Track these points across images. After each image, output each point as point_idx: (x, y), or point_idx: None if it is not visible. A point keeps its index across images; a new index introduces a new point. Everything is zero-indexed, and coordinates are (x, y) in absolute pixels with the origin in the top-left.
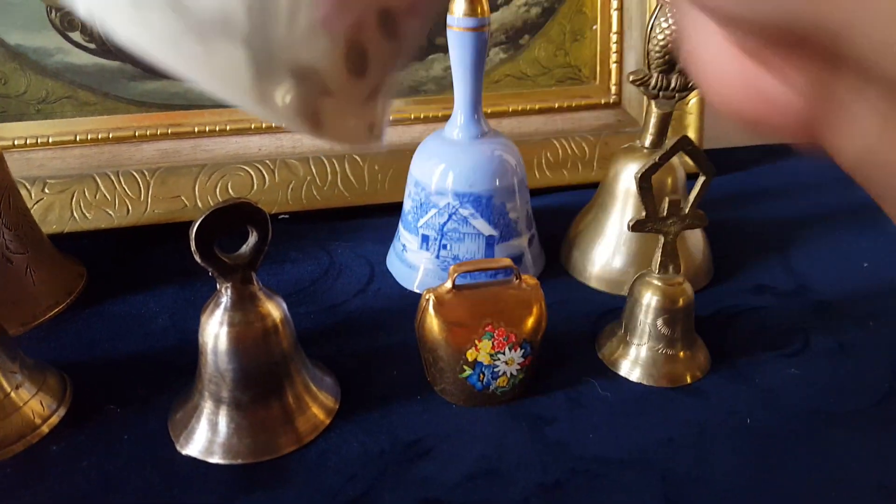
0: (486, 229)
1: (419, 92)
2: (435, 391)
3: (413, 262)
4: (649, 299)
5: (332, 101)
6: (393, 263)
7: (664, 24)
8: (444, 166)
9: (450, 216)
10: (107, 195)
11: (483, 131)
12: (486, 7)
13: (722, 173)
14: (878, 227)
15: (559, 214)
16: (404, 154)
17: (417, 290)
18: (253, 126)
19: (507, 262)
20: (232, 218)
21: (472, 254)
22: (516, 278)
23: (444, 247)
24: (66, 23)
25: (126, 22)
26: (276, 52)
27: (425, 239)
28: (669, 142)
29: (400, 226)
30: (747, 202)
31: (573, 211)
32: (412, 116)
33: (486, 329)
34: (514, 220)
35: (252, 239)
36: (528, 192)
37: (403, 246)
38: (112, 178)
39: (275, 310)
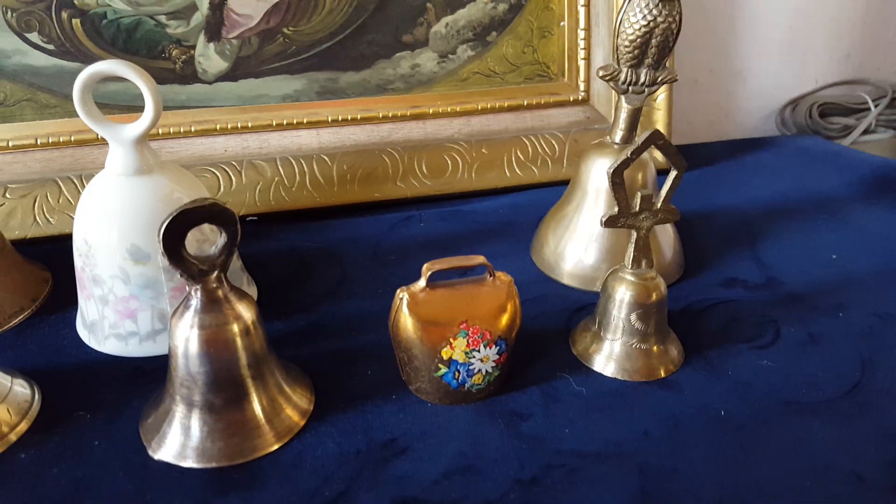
0: None
1: (386, 90)
2: (410, 390)
3: None
4: (622, 294)
5: None
6: None
7: (633, 19)
8: None
9: None
10: (70, 199)
11: None
12: None
13: (689, 168)
14: (844, 220)
15: (530, 211)
16: (373, 153)
17: None
18: (218, 127)
19: (481, 259)
20: (200, 218)
21: None
22: (490, 276)
23: None
24: (24, 23)
25: None
26: None
27: None
28: (640, 137)
29: None
30: (715, 196)
31: (544, 208)
32: (380, 115)
33: (461, 327)
34: None
35: (221, 240)
36: None
37: None
38: (75, 181)
39: (246, 311)
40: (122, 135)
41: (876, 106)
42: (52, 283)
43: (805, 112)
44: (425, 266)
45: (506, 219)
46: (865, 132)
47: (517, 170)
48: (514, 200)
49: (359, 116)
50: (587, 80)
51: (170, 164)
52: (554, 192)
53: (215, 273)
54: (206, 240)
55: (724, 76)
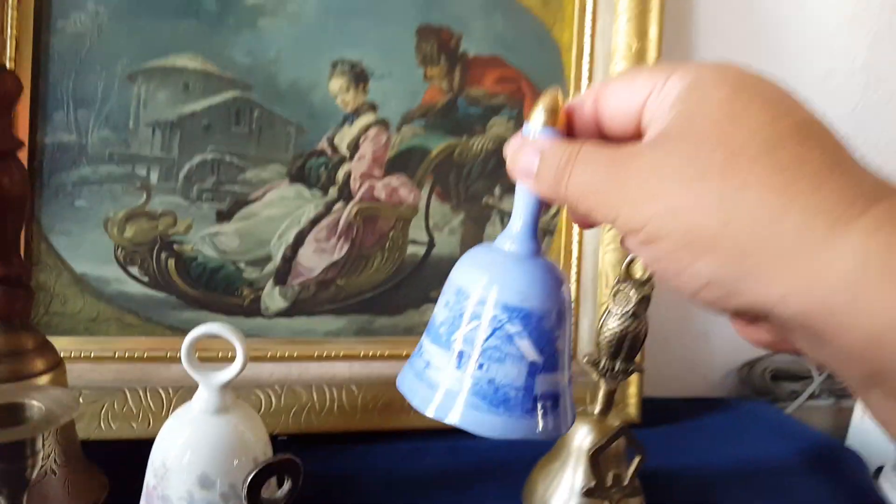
0: (531, 354)
1: (412, 333)
2: None
3: (437, 382)
4: None
5: None
6: (409, 383)
7: (610, 325)
8: (495, 276)
9: (494, 331)
10: (133, 408)
11: (538, 249)
12: (565, 121)
13: (657, 424)
14: (785, 490)
15: (523, 453)
16: (393, 386)
17: (433, 415)
18: (269, 355)
19: None
20: (275, 468)
21: (510, 379)
22: None
23: (481, 366)
24: (128, 259)
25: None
26: None
27: (460, 356)
28: (613, 427)
29: (425, 339)
30: (676, 456)
31: (535, 450)
32: (405, 353)
33: None
34: (560, 351)
35: (287, 485)
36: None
37: (427, 363)
38: (140, 392)
39: None
40: (211, 381)
41: (819, 375)
42: (109, 489)
43: (759, 374)
44: None
45: (502, 457)
46: (811, 397)
47: None
48: (511, 441)
49: (386, 353)
50: (574, 343)
51: (240, 403)
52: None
53: None
54: None
55: (689, 337)
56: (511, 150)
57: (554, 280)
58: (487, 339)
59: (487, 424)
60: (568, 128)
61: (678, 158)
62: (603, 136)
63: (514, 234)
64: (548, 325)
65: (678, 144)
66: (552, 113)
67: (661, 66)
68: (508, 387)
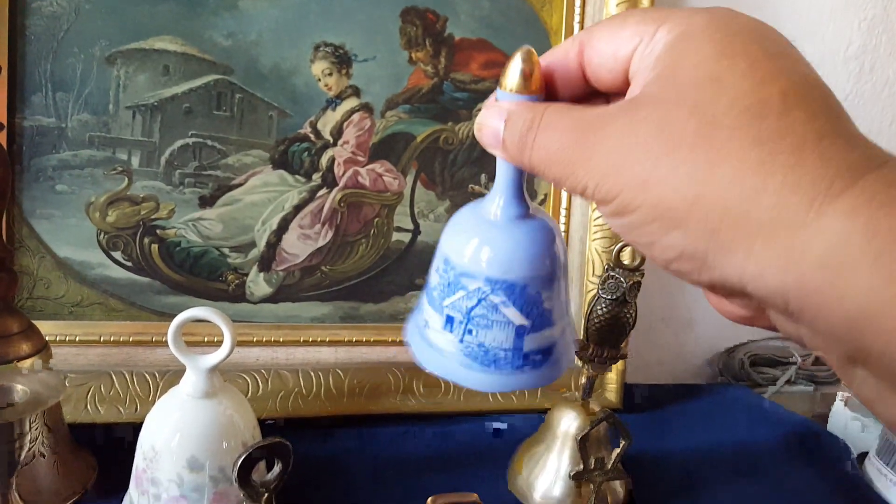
0: (518, 319)
1: (397, 319)
2: None
3: (433, 342)
4: None
5: None
6: (413, 337)
7: (599, 311)
8: (478, 247)
9: (479, 301)
10: (120, 392)
11: (525, 212)
12: (541, 83)
13: (641, 410)
14: (765, 475)
15: (508, 437)
16: (380, 371)
17: (431, 371)
18: (254, 339)
19: (475, 497)
20: (265, 451)
21: (499, 342)
22: None
23: (470, 332)
24: (111, 244)
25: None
26: None
27: (450, 320)
28: (598, 413)
29: (424, 299)
30: (660, 441)
31: (519, 433)
32: (389, 339)
33: None
34: (549, 309)
35: (277, 468)
36: (567, 279)
37: (426, 322)
38: (126, 376)
39: None
40: (199, 364)
41: (802, 359)
42: (98, 471)
43: (738, 360)
44: (430, 500)
45: (488, 441)
46: (789, 383)
47: (499, 396)
48: (496, 425)
49: (371, 339)
50: None
51: (228, 387)
52: (528, 420)
53: (270, 494)
54: None
55: (674, 324)
56: (480, 115)
57: (541, 241)
58: (474, 307)
59: (480, 381)
60: (549, 85)
61: (650, 126)
62: (591, 88)
63: (497, 200)
64: (533, 290)
65: (652, 110)
66: (526, 73)
67: (653, 14)
68: (498, 349)
